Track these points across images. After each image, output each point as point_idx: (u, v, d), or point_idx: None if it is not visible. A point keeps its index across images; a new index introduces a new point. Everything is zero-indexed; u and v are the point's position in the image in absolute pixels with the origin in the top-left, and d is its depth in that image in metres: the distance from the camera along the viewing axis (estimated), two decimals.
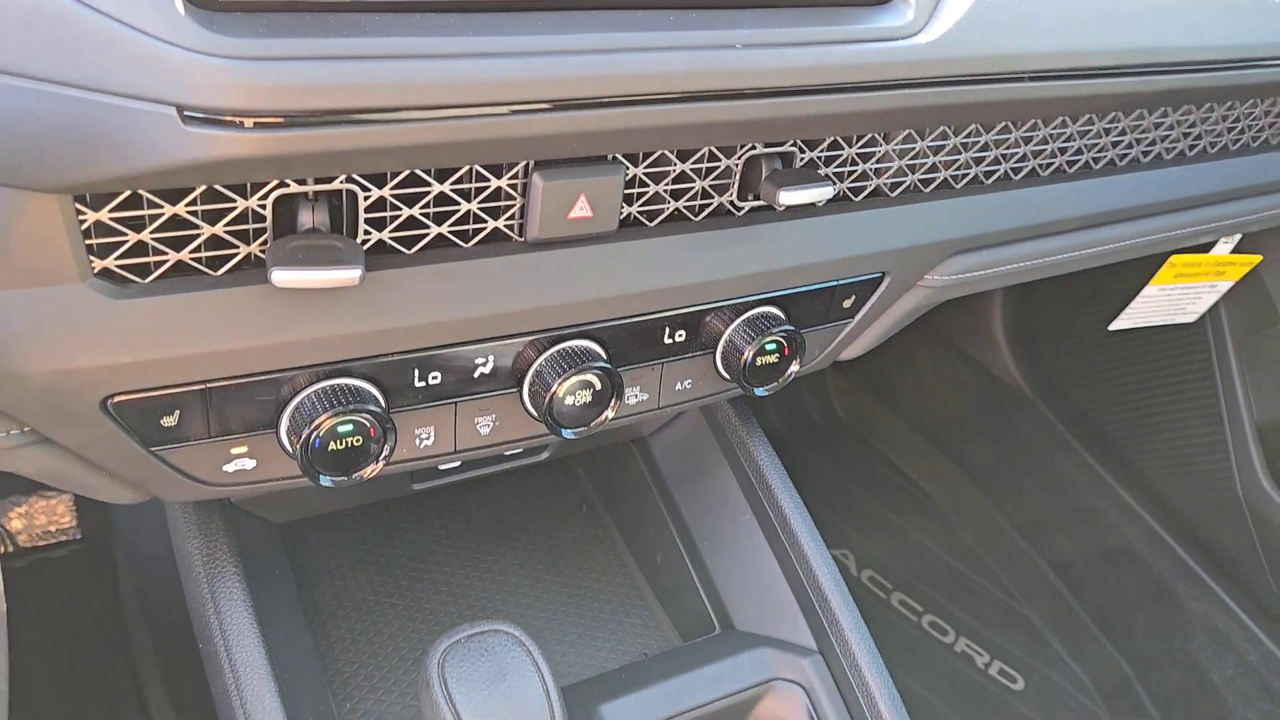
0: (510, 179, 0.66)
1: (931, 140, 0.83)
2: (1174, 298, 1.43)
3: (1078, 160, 0.95)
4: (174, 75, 0.49)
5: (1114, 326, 1.44)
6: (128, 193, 0.56)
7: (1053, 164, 0.93)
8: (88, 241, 0.56)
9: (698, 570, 0.96)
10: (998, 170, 0.89)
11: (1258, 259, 1.42)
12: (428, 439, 0.72)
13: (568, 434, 0.73)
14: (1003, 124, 0.86)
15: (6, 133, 0.49)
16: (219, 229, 0.59)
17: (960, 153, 0.85)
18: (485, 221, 0.67)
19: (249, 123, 0.51)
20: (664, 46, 0.60)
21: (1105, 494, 1.83)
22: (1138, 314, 1.43)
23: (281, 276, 0.57)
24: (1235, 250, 1.39)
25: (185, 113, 0.50)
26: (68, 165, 0.50)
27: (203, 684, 1.02)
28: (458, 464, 0.88)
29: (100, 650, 1.30)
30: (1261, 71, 0.88)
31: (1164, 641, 1.75)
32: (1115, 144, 0.95)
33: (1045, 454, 1.91)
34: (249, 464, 0.67)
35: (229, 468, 0.66)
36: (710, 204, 0.76)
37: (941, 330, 2.05)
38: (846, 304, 0.86)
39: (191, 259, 0.59)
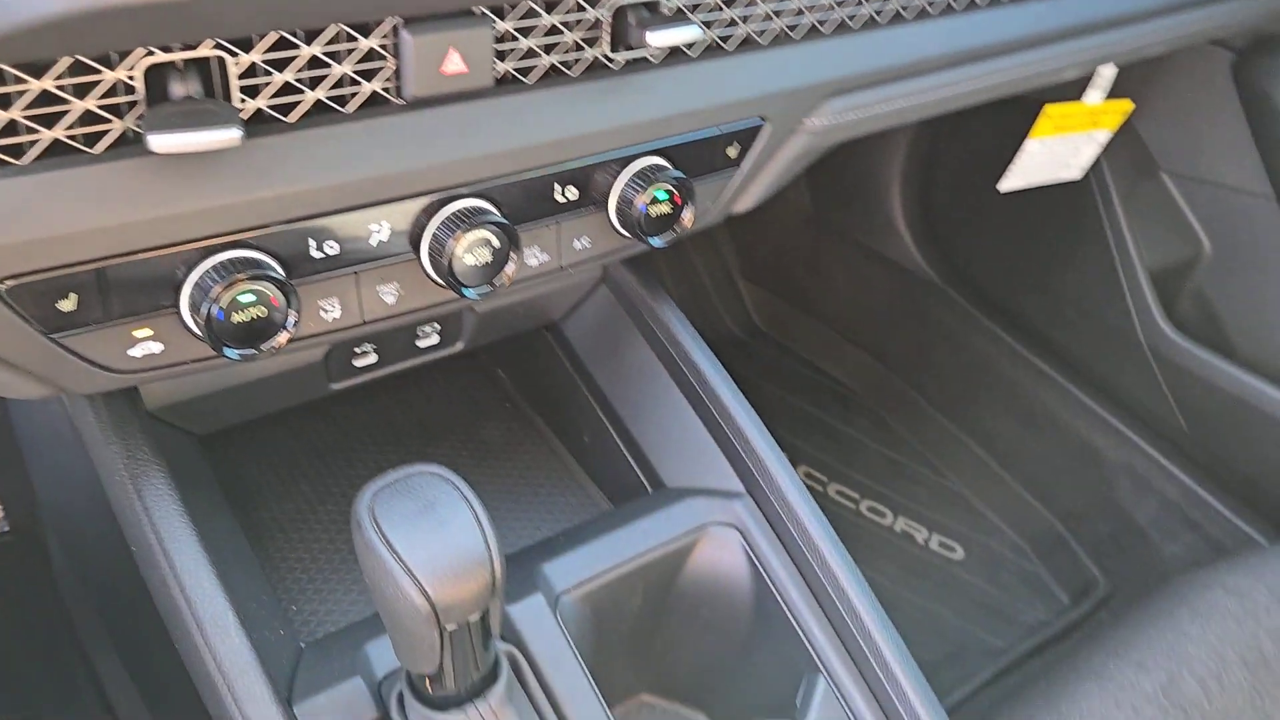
0: (381, 39, 0.67)
1: None
2: (1056, 152, 1.48)
3: (939, 1, 0.98)
4: None
5: (1003, 187, 1.49)
6: None
7: (917, 5, 0.96)
8: None
9: (624, 441, 0.98)
10: (863, 12, 0.92)
11: (1129, 104, 1.48)
12: (334, 311, 0.73)
13: (471, 294, 0.74)
14: None
15: None
16: (90, 103, 0.59)
17: None
18: (361, 84, 0.68)
19: None
20: None
21: (1019, 364, 1.89)
22: (1023, 170, 1.48)
23: (159, 141, 0.57)
24: (1108, 98, 1.44)
25: None
26: None
27: (154, 650, 1.02)
28: (374, 357, 0.89)
29: (44, 636, 1.29)
30: None
31: (1090, 495, 1.82)
32: None
33: (958, 335, 1.97)
34: (155, 347, 0.67)
35: (135, 352, 0.66)
36: (585, 59, 0.77)
37: (846, 229, 2.09)
38: (731, 153, 0.88)
39: (67, 137, 0.59)
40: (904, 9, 0.96)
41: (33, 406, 0.95)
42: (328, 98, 0.67)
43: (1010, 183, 1.48)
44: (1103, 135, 1.50)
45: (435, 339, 0.92)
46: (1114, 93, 1.45)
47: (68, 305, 0.62)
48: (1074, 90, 1.42)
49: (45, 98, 0.58)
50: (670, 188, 0.82)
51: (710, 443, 0.93)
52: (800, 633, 0.86)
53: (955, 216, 1.97)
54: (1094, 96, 1.42)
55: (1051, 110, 1.39)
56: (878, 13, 0.94)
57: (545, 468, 1.03)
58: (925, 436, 2.00)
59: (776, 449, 0.91)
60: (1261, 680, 1.21)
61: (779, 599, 0.87)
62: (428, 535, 0.60)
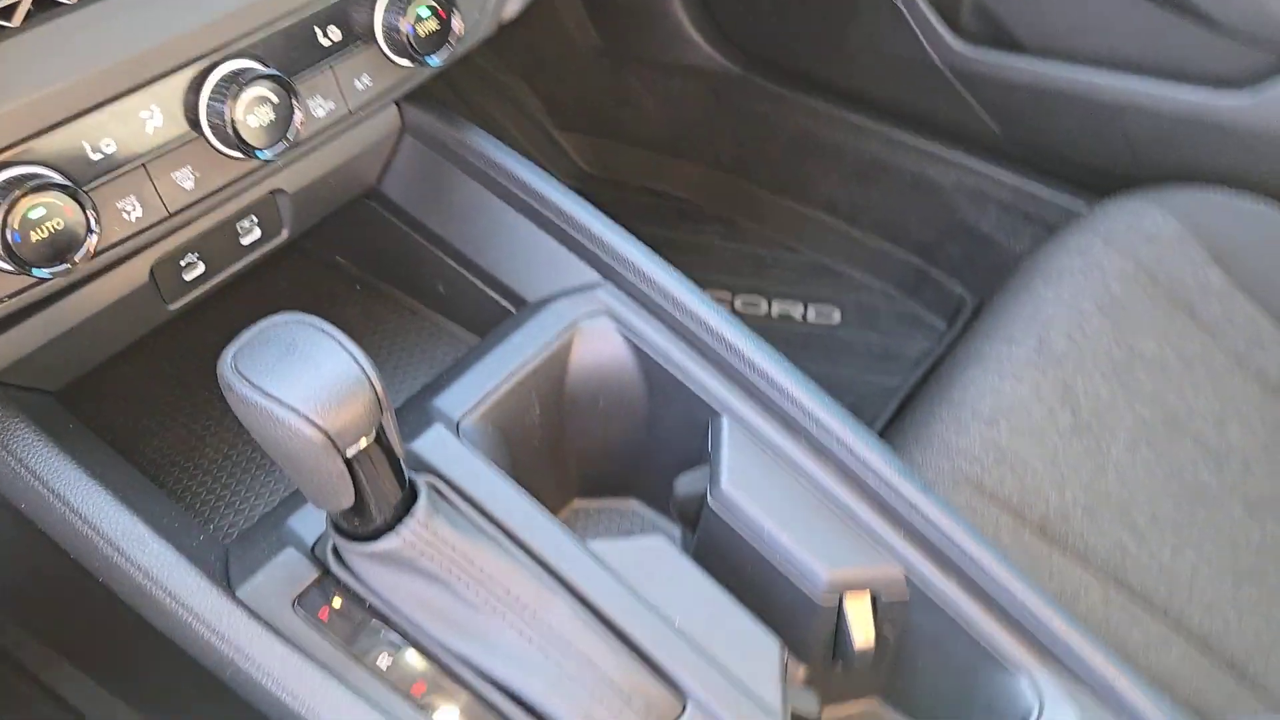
0: None
1: None
2: None
3: None
4: None
5: None
6: None
7: None
8: None
9: (478, 276, 0.99)
10: None
11: None
12: (135, 209, 0.71)
13: (265, 154, 0.73)
14: None
15: None
16: None
17: None
18: None
19: None
20: None
21: (837, 126, 1.95)
22: None
23: None
24: None
25: None
26: None
27: (94, 642, 1.00)
28: (202, 268, 0.87)
29: None
30: None
31: (936, 223, 1.91)
32: None
33: (774, 118, 2.01)
34: None
35: None
36: None
37: (640, 52, 2.09)
38: None
39: None
40: None
41: None
42: None
43: None
44: None
45: (257, 233, 0.91)
46: None
47: None
48: None
49: None
50: (431, 2, 0.81)
51: (559, 247, 0.95)
52: (692, 389, 0.89)
53: (736, 7, 1.99)
54: None
55: None
56: None
57: (412, 327, 1.03)
58: (773, 222, 2.05)
59: (619, 229, 0.94)
60: (1117, 319, 1.31)
61: (663, 366, 0.90)
62: (300, 370, 0.60)
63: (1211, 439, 1.27)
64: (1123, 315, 1.32)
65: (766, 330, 1.91)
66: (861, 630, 0.83)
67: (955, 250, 1.90)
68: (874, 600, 0.84)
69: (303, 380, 0.60)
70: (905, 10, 1.77)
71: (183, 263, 0.85)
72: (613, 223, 0.95)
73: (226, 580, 0.73)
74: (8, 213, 0.62)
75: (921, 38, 1.77)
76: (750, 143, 2.07)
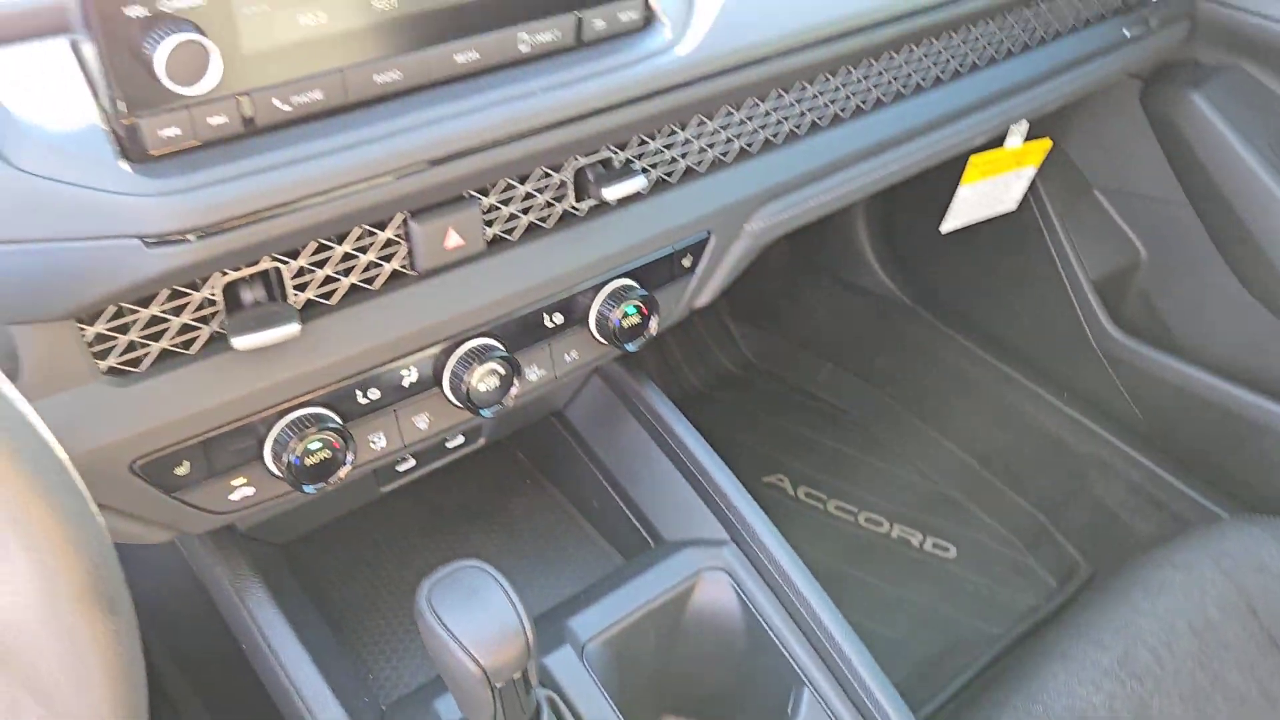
0: (395, 231, 0.86)
1: (719, 120, 1.04)
2: (988, 192, 1.66)
3: (849, 105, 1.16)
4: (134, 215, 0.68)
5: (944, 229, 1.67)
6: (113, 308, 0.75)
7: (829, 113, 1.15)
8: (92, 350, 0.75)
9: (627, 504, 1.17)
10: (783, 129, 1.11)
11: (1049, 143, 1.66)
12: (380, 441, 0.92)
13: (486, 413, 0.93)
14: (773, 93, 1.07)
15: (18, 283, 0.68)
16: (185, 318, 0.78)
17: (746, 124, 1.06)
18: (383, 265, 0.87)
19: (192, 237, 0.70)
20: (481, 106, 0.80)
21: (988, 372, 2.07)
22: (961, 213, 1.66)
23: (240, 341, 0.77)
24: (1027, 139, 1.62)
25: (146, 241, 0.69)
26: (72, 297, 0.70)
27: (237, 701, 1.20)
28: (412, 463, 1.08)
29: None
30: (953, 10, 1.12)
31: (1065, 485, 1.99)
32: (875, 86, 1.17)
33: (931, 350, 2.15)
34: (249, 490, 0.86)
35: (234, 496, 0.86)
36: (556, 212, 0.96)
37: (821, 265, 2.28)
38: (685, 263, 1.07)
39: (171, 346, 0.79)
40: (819, 119, 1.14)
41: None
42: (359, 281, 0.86)
43: (950, 224, 1.66)
44: (1029, 171, 1.68)
45: (460, 439, 1.11)
46: (1035, 128, 1.63)
47: (182, 470, 0.82)
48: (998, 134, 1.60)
49: (152, 320, 0.77)
50: (637, 304, 1.01)
51: (696, 500, 1.12)
52: (785, 654, 1.04)
53: (916, 245, 2.15)
54: (1014, 141, 1.60)
55: (977, 160, 1.57)
56: (796, 127, 1.12)
57: (564, 531, 1.22)
58: (912, 445, 2.17)
59: (750, 499, 1.10)
60: (1208, 642, 1.38)
61: (765, 627, 1.05)
62: (475, 615, 0.78)
63: None
64: (1214, 640, 1.39)
65: (884, 551, 2.03)
66: None
67: (1079, 516, 1.98)
68: None
69: (477, 625, 0.78)
70: (1071, 290, 1.89)
71: (400, 467, 1.05)
72: (741, 486, 1.11)
73: None
74: (298, 443, 0.83)
75: (1082, 318, 1.89)
76: (906, 367, 2.21)
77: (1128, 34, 1.48)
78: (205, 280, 0.79)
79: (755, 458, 2.13)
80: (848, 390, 2.27)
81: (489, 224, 0.92)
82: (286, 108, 0.74)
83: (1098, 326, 1.87)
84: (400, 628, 1.10)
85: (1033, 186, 1.87)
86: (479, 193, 0.89)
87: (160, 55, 0.65)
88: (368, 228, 0.85)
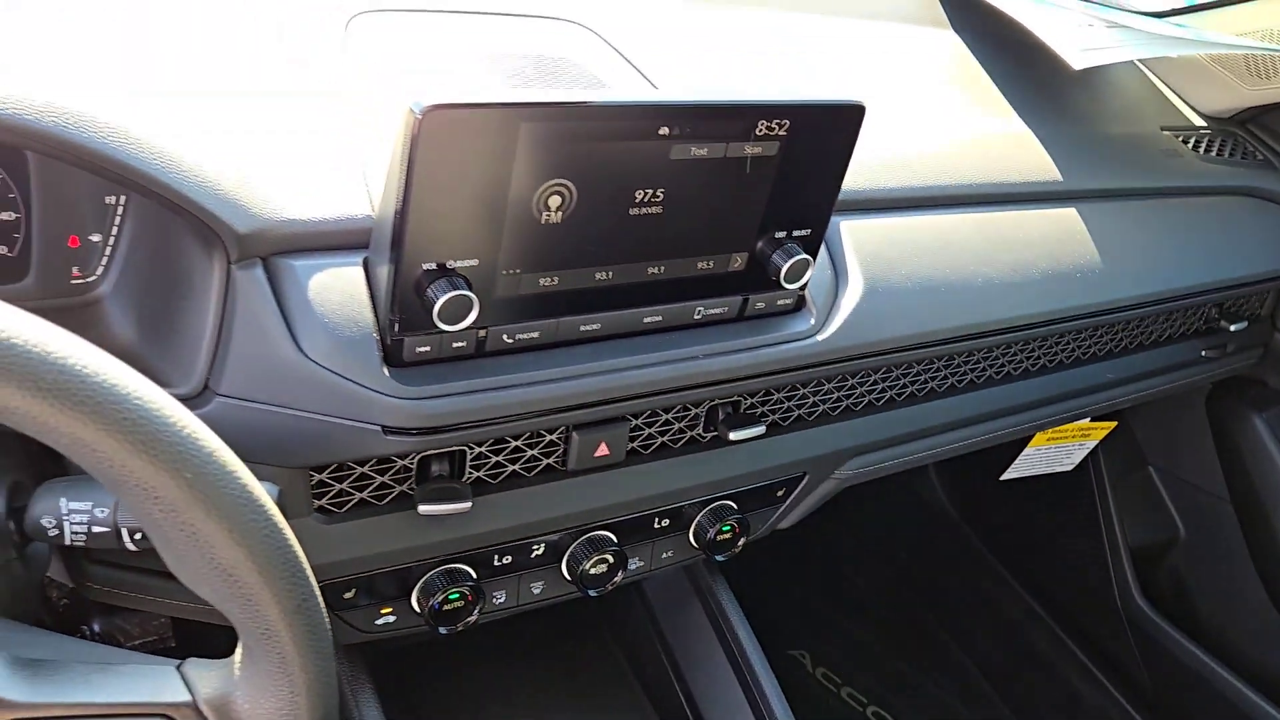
0: (558, 436, 1.05)
1: (834, 383, 1.22)
2: (1050, 455, 1.82)
3: (945, 383, 1.34)
4: (384, 410, 0.87)
5: (1004, 478, 1.83)
6: (336, 464, 0.94)
7: (926, 388, 1.32)
8: (312, 492, 0.94)
9: (678, 680, 1.33)
10: (885, 397, 1.29)
11: (1114, 424, 1.82)
12: (501, 598, 1.09)
13: (591, 593, 1.10)
14: (885, 367, 1.25)
15: (291, 438, 0.87)
16: (385, 478, 0.97)
17: (856, 388, 1.24)
18: (541, 460, 1.05)
19: (416, 431, 0.89)
20: (657, 363, 0.99)
21: (1018, 607, 2.20)
22: (1022, 467, 1.82)
23: (425, 509, 0.95)
24: (1094, 419, 1.78)
25: (386, 428, 0.88)
26: (317, 455, 0.89)
27: None
28: (503, 599, 1.25)
29: None
30: (1059, 325, 1.29)
31: None
32: (972, 370, 1.35)
33: (968, 569, 2.29)
34: (392, 619, 1.04)
35: (379, 621, 1.03)
36: (685, 437, 1.14)
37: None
38: (779, 494, 1.24)
39: (370, 497, 0.97)
40: (917, 391, 1.32)
41: None
42: (520, 469, 1.05)
43: (1010, 475, 1.82)
44: (1091, 444, 1.84)
45: (542, 584, 1.28)
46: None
47: (349, 595, 1.00)
48: None
49: (360, 476, 0.96)
50: (733, 523, 1.18)
51: (739, 694, 1.27)
52: None
53: (976, 475, 2.31)
54: (1082, 419, 1.76)
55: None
56: (897, 394, 1.30)
57: (616, 692, 1.38)
58: (930, 653, 2.30)
59: (785, 705, 1.25)
60: None
61: None
62: None
63: None
64: None
65: None
66: None
67: None
68: None
69: None
70: (1108, 551, 2.03)
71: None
72: (779, 691, 1.27)
73: None
74: (441, 592, 1.01)
75: (1113, 580, 2.02)
76: (941, 577, 2.35)
77: (1204, 354, 1.65)
78: (405, 454, 0.97)
79: (783, 628, 2.27)
80: (881, 582, 2.41)
81: (631, 439, 1.10)
82: (510, 341, 0.93)
83: (1126, 592, 2.01)
84: None
85: (1092, 450, 2.02)
86: (630, 414, 1.08)
87: (439, 302, 0.85)
88: (539, 431, 1.03)
